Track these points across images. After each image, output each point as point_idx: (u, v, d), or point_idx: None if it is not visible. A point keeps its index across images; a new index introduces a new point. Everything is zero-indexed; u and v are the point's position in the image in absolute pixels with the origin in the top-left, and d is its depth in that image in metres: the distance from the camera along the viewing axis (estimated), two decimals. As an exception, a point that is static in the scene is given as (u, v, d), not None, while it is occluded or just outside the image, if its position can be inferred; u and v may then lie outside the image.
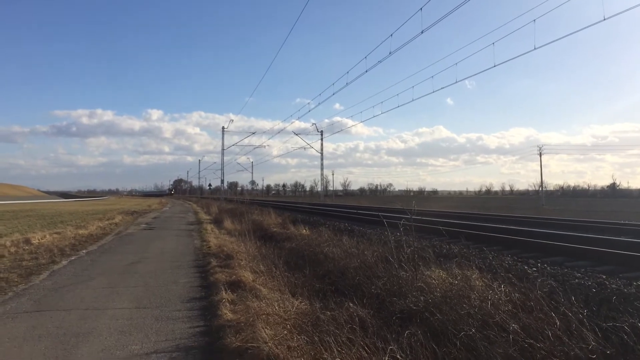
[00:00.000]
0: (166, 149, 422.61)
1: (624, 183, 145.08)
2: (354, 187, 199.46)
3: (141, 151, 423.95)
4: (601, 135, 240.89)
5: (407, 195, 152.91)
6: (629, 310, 4.83)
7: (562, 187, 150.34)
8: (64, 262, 11.37)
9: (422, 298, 5.62)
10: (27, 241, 14.44)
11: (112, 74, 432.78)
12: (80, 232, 18.29)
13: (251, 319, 5.54)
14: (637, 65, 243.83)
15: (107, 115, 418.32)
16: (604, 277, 7.20)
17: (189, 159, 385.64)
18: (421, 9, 15.34)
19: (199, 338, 5.63)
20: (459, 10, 14.40)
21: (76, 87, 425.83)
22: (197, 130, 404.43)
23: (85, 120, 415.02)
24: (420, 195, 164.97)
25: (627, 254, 9.07)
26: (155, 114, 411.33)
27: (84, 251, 13.65)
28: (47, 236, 16.14)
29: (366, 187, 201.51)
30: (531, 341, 4.04)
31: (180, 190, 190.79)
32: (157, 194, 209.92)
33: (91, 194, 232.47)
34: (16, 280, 8.94)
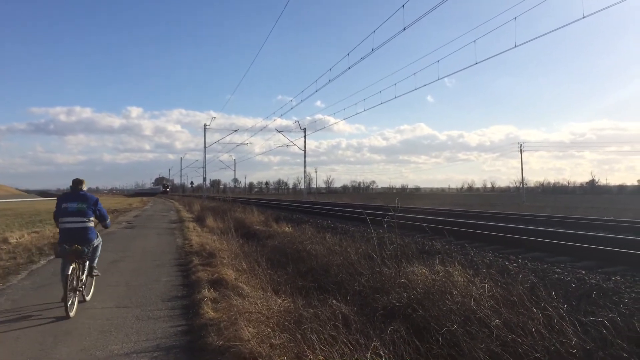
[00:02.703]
0: (147, 146, 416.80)
1: (603, 179, 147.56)
2: (337, 184, 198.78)
3: (121, 149, 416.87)
4: (579, 133, 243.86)
5: (390, 193, 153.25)
6: (608, 304, 4.89)
7: (543, 184, 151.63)
8: (43, 262, 11.20)
9: (405, 294, 5.63)
10: (5, 241, 14.19)
11: (90, 71, 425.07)
12: (60, 231, 18.00)
13: (233, 317, 5.51)
14: (616, 64, 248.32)
15: (86, 113, 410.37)
16: (584, 272, 7.30)
17: (171, 156, 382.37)
18: (403, 5, 15.37)
19: (180, 337, 5.57)
20: (440, 7, 14.48)
21: (53, 84, 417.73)
22: (178, 127, 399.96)
23: (63, 117, 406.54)
24: (403, 192, 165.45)
25: (605, 250, 9.19)
26: (135, 111, 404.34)
27: (63, 250, 13.44)
28: (26, 235, 15.89)
29: (349, 185, 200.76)
30: (513, 336, 4.06)
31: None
32: (150, 192, 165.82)
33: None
34: (-7, 280, 8.79)
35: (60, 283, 6.64)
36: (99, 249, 7.71)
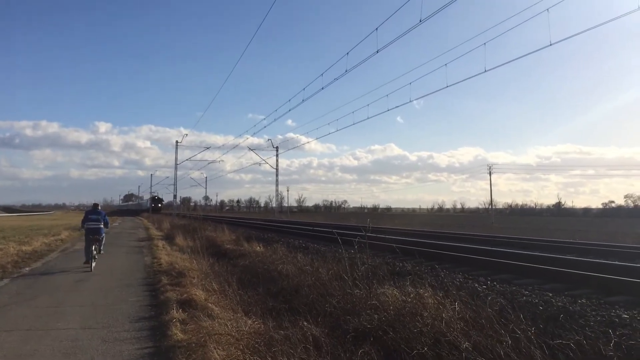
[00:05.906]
0: (115, 162, 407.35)
1: (569, 202, 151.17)
2: (309, 203, 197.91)
3: (89, 164, 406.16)
4: (545, 156, 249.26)
5: (362, 212, 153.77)
6: (574, 327, 4.99)
7: (511, 206, 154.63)
8: (6, 280, 10.86)
9: (375, 316, 5.64)
10: (-35, 258, 13.70)
11: (58, 85, 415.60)
12: (24, 248, 17.53)
13: (203, 339, 5.42)
14: (579, 90, 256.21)
15: (53, 127, 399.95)
16: (550, 295, 7.43)
17: (140, 173, 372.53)
18: (377, 28, 15.69)
19: None
20: (412, 31, 14.79)
21: (19, 98, 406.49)
22: (148, 144, 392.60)
23: (29, 131, 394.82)
24: (375, 212, 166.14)
25: (571, 272, 9.37)
26: (103, 126, 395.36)
27: (27, 268, 13.09)
28: (-13, 252, 15.38)
29: (321, 204, 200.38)
30: (482, 359, 4.10)
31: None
32: (134, 209, 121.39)
33: (36, 208, 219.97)
34: (-49, 299, 8.47)
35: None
36: (104, 240, 15.16)
